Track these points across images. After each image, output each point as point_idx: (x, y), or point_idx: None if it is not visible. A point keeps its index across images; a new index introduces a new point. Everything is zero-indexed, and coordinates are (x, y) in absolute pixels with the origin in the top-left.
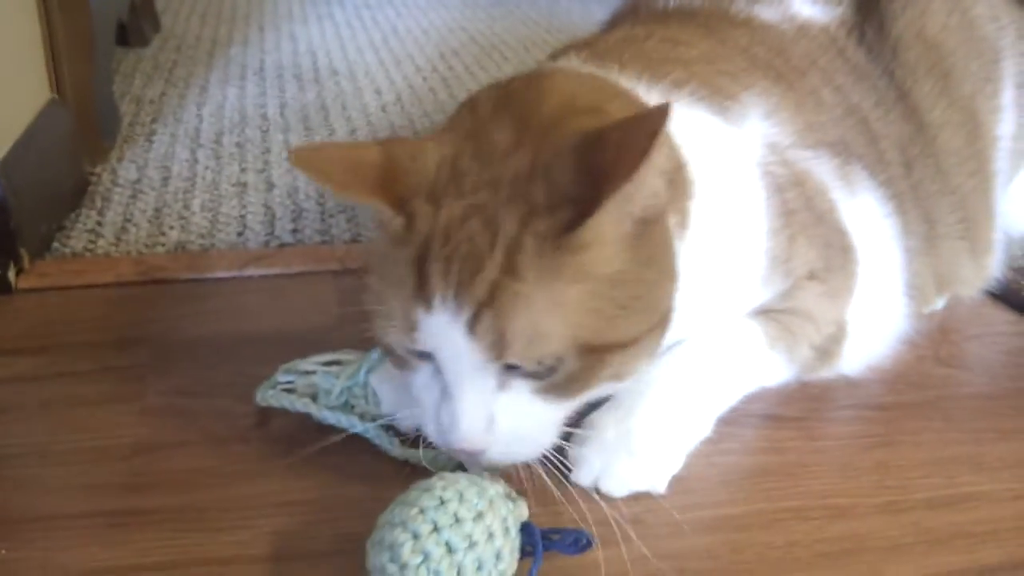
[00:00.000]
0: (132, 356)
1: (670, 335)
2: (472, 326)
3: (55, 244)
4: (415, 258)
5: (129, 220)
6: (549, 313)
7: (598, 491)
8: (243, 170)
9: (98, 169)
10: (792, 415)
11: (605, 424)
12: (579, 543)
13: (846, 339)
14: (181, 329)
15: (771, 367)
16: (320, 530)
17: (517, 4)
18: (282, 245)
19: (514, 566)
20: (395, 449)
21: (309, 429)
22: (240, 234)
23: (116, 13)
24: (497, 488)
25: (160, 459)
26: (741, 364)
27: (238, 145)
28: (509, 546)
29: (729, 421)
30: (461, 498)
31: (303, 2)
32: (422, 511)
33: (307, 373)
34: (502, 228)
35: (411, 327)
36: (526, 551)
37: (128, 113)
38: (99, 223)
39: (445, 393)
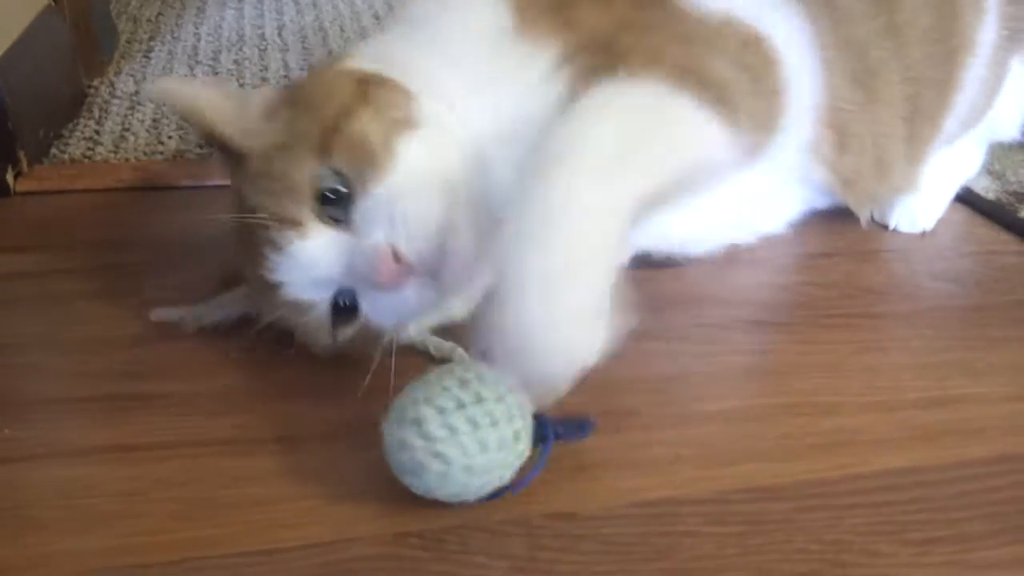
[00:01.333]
0: (131, 255)
1: None
2: None
3: (53, 151)
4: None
5: (127, 129)
6: None
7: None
8: (241, 86)
9: (95, 82)
10: (782, 320)
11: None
12: (584, 429)
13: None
14: (179, 232)
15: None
16: (325, 413)
17: None
18: None
19: (530, 449)
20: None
21: None
22: None
23: None
24: (509, 378)
25: (159, 350)
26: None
27: (236, 63)
28: (527, 429)
29: (719, 325)
30: (481, 379)
31: None
32: (446, 388)
33: None
34: None
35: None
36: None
37: (125, 31)
38: (97, 132)
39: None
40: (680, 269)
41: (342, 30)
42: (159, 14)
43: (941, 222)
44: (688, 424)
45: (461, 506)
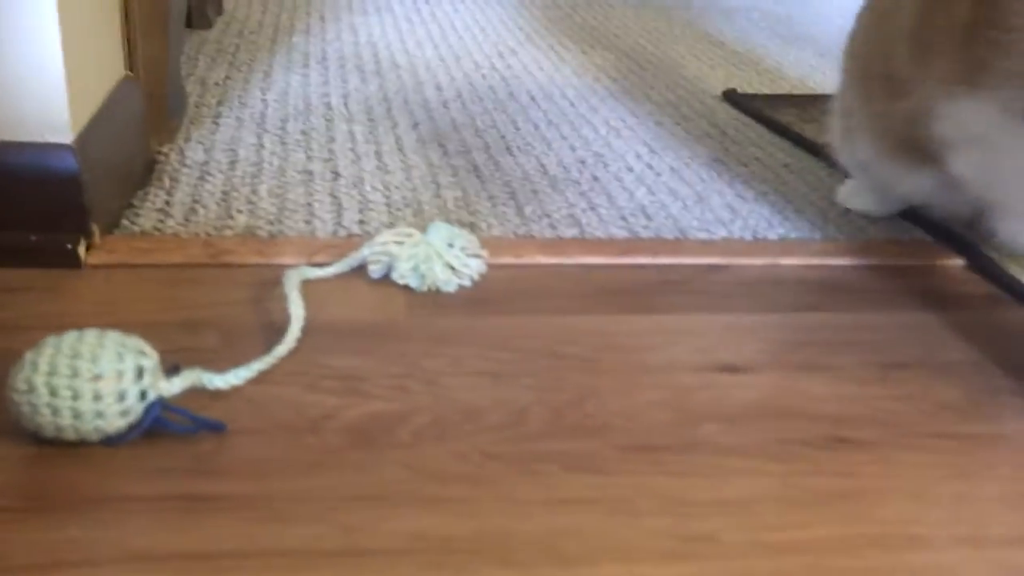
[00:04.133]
0: (200, 339)
1: None
2: None
3: (124, 222)
4: None
5: (197, 201)
6: None
7: None
8: (309, 158)
9: (165, 149)
10: (864, 439)
11: None
12: (200, 427)
13: None
14: (249, 314)
15: None
16: (392, 525)
17: (573, 7)
18: (350, 235)
19: (117, 425)
20: None
21: (380, 423)
22: (307, 222)
23: None
24: (144, 362)
25: (229, 446)
26: None
27: (303, 133)
28: (116, 409)
29: (800, 441)
30: (93, 357)
31: None
32: (56, 352)
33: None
34: None
35: None
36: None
37: (193, 94)
38: (167, 203)
39: None
40: (753, 376)
41: (406, 102)
42: (227, 77)
43: (1019, 326)
44: (767, 553)
45: None
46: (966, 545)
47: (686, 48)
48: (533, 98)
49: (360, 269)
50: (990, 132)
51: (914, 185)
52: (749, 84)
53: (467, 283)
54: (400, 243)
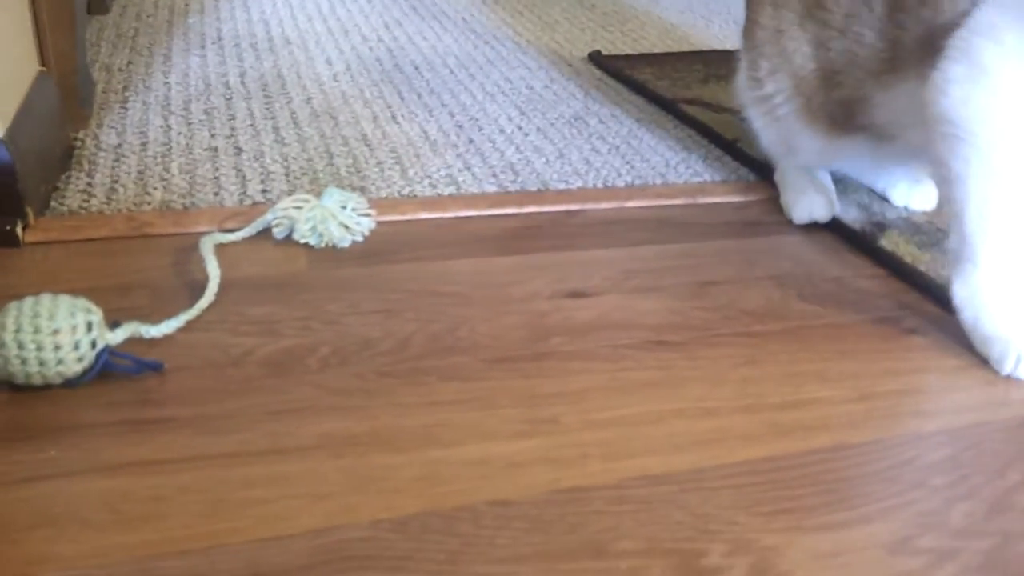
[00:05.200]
0: (133, 299)
1: None
2: None
3: (53, 204)
4: None
5: (116, 181)
6: None
7: None
8: (213, 136)
9: (80, 135)
10: (677, 340)
11: None
12: (142, 367)
13: None
14: (172, 276)
15: None
16: (306, 429)
17: None
18: (255, 203)
19: (75, 369)
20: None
21: (291, 355)
22: (216, 194)
23: None
24: (92, 317)
25: (168, 381)
26: None
27: (206, 112)
28: (74, 356)
29: (628, 346)
30: (51, 315)
31: None
32: (19, 313)
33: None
34: None
35: None
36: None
37: (100, 81)
38: (89, 184)
39: None
40: (596, 299)
41: (299, 76)
42: (129, 63)
43: (811, 249)
44: (595, 428)
45: (419, 496)
46: (746, 412)
47: (560, 11)
48: (417, 68)
49: (265, 232)
50: None
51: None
52: (613, 45)
53: (359, 239)
54: (299, 208)
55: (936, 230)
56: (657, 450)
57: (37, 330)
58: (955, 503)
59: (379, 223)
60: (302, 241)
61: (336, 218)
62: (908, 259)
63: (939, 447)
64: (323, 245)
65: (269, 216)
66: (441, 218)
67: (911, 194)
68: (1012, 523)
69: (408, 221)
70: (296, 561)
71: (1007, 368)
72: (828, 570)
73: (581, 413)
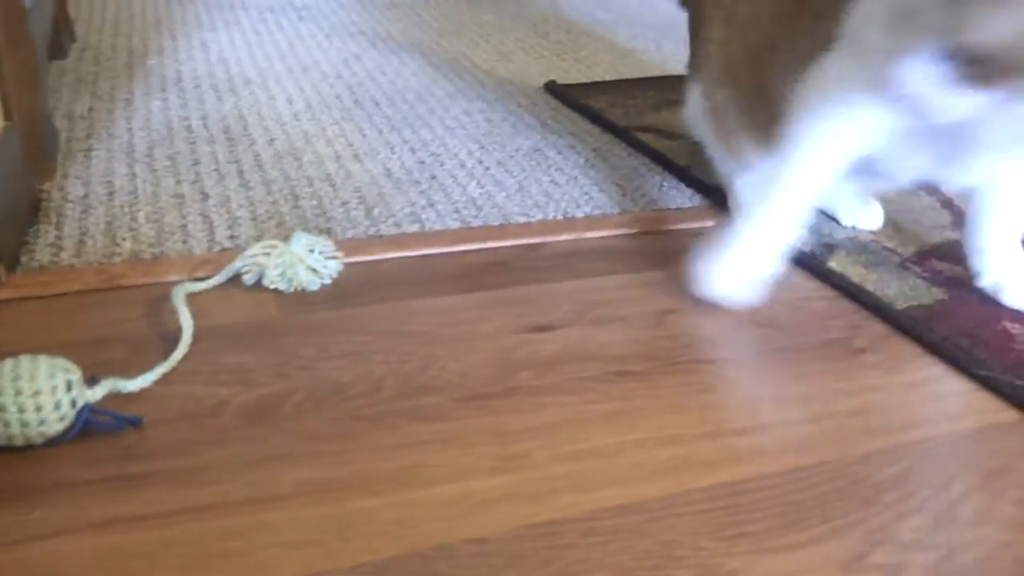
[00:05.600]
0: (109, 352)
1: None
2: None
3: (23, 259)
4: None
5: (85, 233)
6: None
7: None
8: (178, 182)
9: (47, 187)
10: (639, 370)
11: None
12: (122, 423)
13: None
14: (146, 327)
15: None
16: (284, 477)
17: (412, 6)
18: (223, 250)
19: (57, 429)
20: None
21: (266, 403)
22: (184, 242)
23: (46, 36)
24: (71, 377)
25: (147, 435)
26: None
27: (170, 158)
28: (55, 416)
29: (592, 378)
30: (31, 377)
31: (209, 8)
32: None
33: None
34: None
35: None
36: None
37: (63, 128)
38: (58, 237)
39: None
40: (560, 332)
41: (260, 117)
42: (91, 108)
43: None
44: (564, 461)
45: (398, 538)
46: (707, 438)
47: (515, 40)
48: (377, 104)
49: (235, 279)
50: None
51: None
52: (568, 73)
53: (328, 282)
54: (268, 253)
55: (883, 249)
56: (623, 480)
57: (18, 392)
58: (904, 518)
59: (346, 264)
60: (272, 287)
61: (304, 262)
62: (856, 279)
63: (888, 464)
64: (292, 290)
65: (238, 263)
66: (406, 257)
67: (858, 214)
68: (956, 535)
69: (374, 261)
70: None
71: None
72: None
73: (551, 447)
